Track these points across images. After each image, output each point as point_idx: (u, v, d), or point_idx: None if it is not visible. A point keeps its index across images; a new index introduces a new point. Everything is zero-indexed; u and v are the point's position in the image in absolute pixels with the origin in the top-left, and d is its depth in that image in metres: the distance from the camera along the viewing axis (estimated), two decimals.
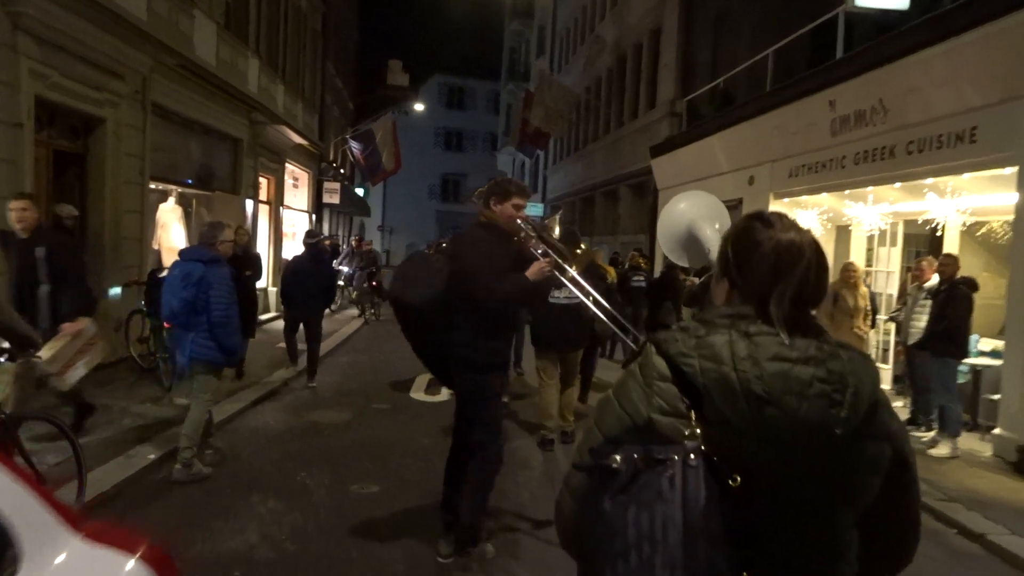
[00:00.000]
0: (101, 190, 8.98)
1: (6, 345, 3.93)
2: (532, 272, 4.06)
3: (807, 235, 1.49)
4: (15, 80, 7.10)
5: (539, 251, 4.13)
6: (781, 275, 1.43)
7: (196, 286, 5.21)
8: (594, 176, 26.05)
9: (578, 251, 4.36)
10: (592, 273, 7.01)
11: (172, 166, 11.66)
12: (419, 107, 36.48)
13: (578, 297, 6.81)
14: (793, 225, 1.51)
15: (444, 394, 8.55)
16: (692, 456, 1.31)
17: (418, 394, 9.18)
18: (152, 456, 5.54)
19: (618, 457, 1.34)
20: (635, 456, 1.33)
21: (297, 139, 17.12)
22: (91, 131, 8.94)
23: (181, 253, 5.63)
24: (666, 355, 1.44)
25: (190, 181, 12.45)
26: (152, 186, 10.63)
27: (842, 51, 11.13)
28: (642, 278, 12.16)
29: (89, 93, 8.49)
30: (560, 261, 4.20)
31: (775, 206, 12.76)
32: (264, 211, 16.22)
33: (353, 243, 19.95)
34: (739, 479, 1.34)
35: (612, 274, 12.32)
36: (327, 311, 11.14)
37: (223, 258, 5.56)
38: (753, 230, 1.51)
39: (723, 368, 1.36)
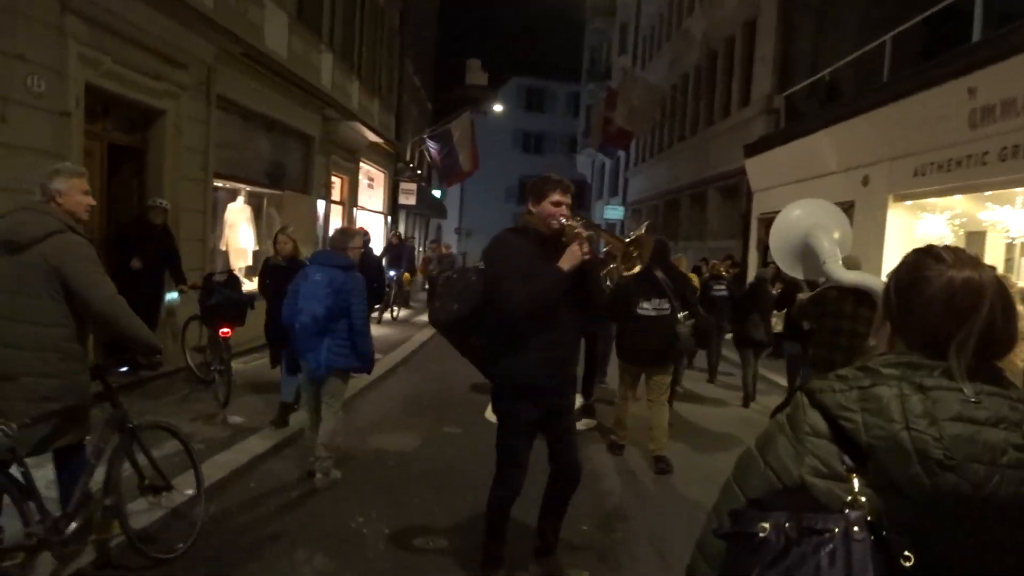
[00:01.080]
0: (160, 187, 8.37)
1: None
2: (565, 261, 3.64)
3: (987, 272, 1.33)
4: (62, 65, 6.48)
5: (586, 245, 3.71)
6: (959, 319, 1.28)
7: (338, 292, 5.22)
8: (680, 178, 24.83)
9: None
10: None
11: (239, 163, 11.08)
12: (498, 108, 35.74)
13: (667, 309, 6.31)
14: (971, 261, 1.34)
15: None
16: (856, 528, 1.17)
17: (492, 415, 8.26)
18: (189, 492, 4.74)
19: (766, 525, 1.20)
20: (787, 525, 1.19)
21: (372, 137, 16.49)
22: (150, 124, 8.35)
23: (317, 258, 5.61)
24: (822, 407, 1.30)
25: (259, 179, 11.86)
26: (217, 184, 10.03)
27: (979, 33, 9.78)
28: (723, 287, 11.03)
29: (148, 83, 7.89)
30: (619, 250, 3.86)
31: (895, 210, 11.47)
32: (337, 212, 15.63)
33: (393, 240, 18.13)
34: (912, 558, 1.16)
35: (696, 281, 11.23)
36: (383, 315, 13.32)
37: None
38: (921, 266, 1.36)
39: (893, 426, 1.21)
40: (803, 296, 6.95)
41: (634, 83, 22.00)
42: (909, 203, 11.13)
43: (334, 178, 15.12)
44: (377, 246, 15.53)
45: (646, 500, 5.91)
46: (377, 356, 7.37)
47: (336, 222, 15.44)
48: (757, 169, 17.19)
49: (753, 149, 17.33)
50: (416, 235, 29.45)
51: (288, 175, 12.80)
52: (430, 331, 14.89)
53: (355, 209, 16.82)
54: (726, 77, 20.95)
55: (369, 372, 5.93)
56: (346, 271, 5.33)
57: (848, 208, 12.65)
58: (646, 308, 6.24)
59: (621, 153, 33.97)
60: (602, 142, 25.11)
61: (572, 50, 46.44)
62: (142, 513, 4.23)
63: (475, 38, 36.94)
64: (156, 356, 3.86)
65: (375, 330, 9.64)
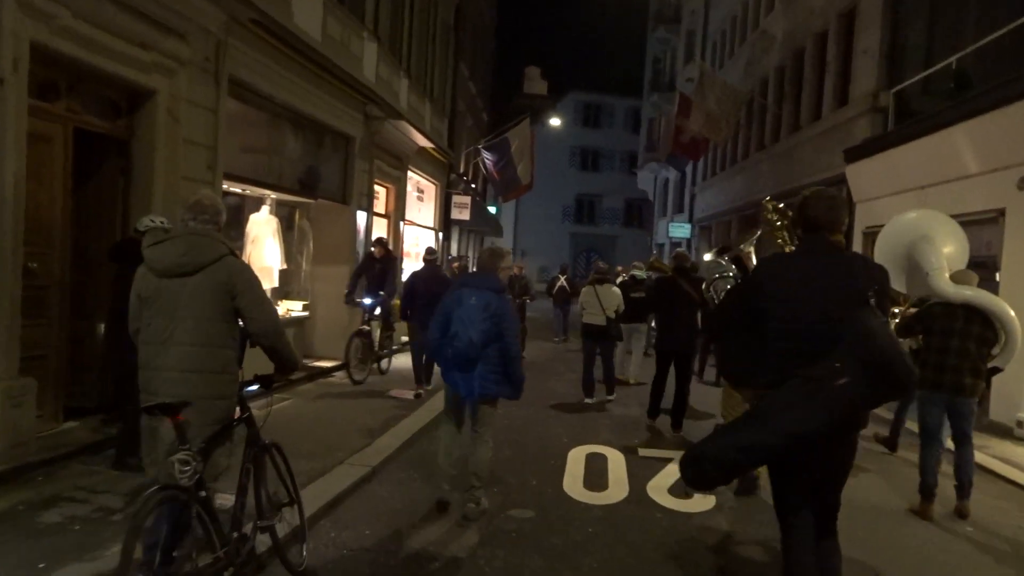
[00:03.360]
0: (149, 189, 6.60)
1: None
2: None
3: None
4: None
5: None
6: None
7: (493, 317, 5.08)
8: (758, 191, 22.50)
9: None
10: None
11: (261, 165, 9.31)
12: (556, 122, 33.86)
13: None
14: None
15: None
16: None
17: (576, 489, 6.21)
18: None
19: None
20: None
21: (422, 141, 14.64)
22: (136, 107, 6.59)
23: (469, 281, 5.38)
24: None
25: (288, 185, 10.06)
26: (232, 188, 8.26)
27: None
28: None
29: (130, 51, 6.14)
30: None
31: None
32: (381, 225, 13.80)
33: (455, 266, 15.87)
34: None
35: None
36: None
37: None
38: None
39: None
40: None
41: (712, 85, 19.83)
42: None
43: (378, 187, 13.30)
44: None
45: None
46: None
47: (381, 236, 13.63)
48: (861, 176, 14.91)
49: (857, 153, 15.06)
50: (469, 254, 27.61)
51: (323, 181, 11.00)
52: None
53: (402, 223, 14.96)
54: (816, 76, 18.73)
55: (518, 398, 5.49)
56: (499, 294, 5.22)
57: (996, 217, 10.43)
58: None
59: (692, 163, 31.94)
60: (671, 153, 23.01)
61: (632, 63, 44.71)
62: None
63: (532, 50, 35.24)
64: (293, 373, 4.02)
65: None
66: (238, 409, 3.73)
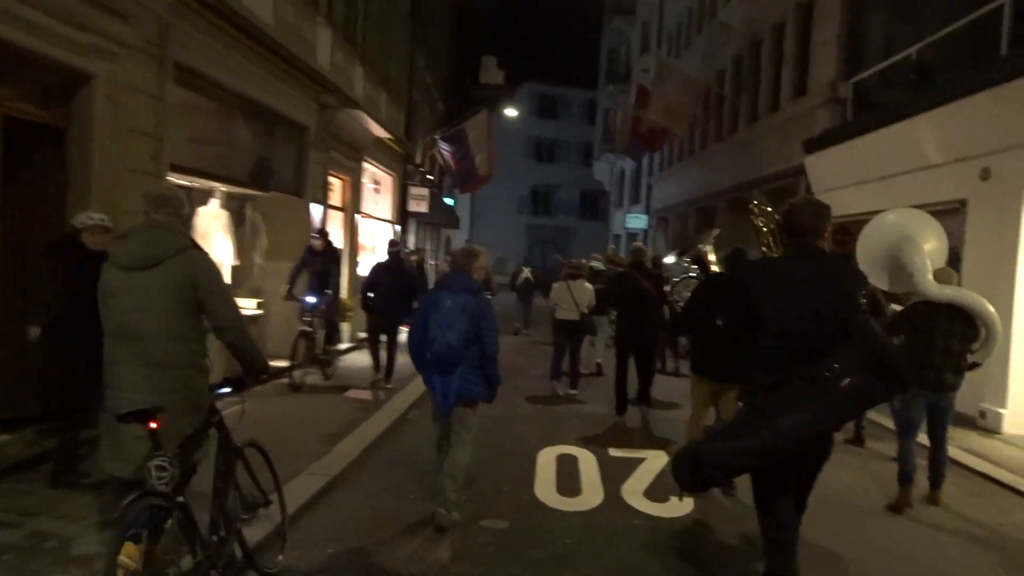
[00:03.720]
0: (88, 179, 6.12)
1: None
2: None
3: None
4: None
5: None
6: None
7: (471, 319, 4.97)
8: (716, 182, 22.55)
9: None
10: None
11: (210, 156, 8.83)
12: (512, 112, 33.44)
13: None
14: None
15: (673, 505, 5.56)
16: None
17: (550, 495, 5.94)
18: None
19: None
20: None
21: (379, 131, 14.18)
22: (72, 93, 6.10)
23: (446, 283, 5.24)
24: None
25: (238, 177, 9.58)
26: (179, 181, 7.79)
27: None
28: None
29: (66, 33, 5.66)
30: None
31: None
32: (337, 219, 13.35)
33: (412, 258, 14.86)
34: None
35: None
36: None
37: None
38: None
39: None
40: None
41: (670, 75, 19.71)
42: None
43: (333, 179, 12.85)
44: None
45: None
46: None
47: (336, 231, 13.18)
48: (821, 167, 14.91)
49: (816, 144, 15.05)
50: (428, 247, 27.15)
51: (276, 173, 10.52)
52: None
53: (358, 216, 14.51)
54: (774, 67, 18.75)
55: (491, 401, 5.35)
56: (476, 295, 5.09)
57: (959, 208, 10.44)
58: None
59: (650, 154, 31.85)
60: (630, 144, 22.89)
61: (588, 54, 44.61)
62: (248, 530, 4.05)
63: (487, 41, 34.73)
64: (264, 376, 3.89)
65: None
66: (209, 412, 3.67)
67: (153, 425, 3.06)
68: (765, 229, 5.42)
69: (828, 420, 3.18)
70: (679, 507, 5.54)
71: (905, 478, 5.87)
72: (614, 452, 7.26)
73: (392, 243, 10.47)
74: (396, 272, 9.78)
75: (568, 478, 6.33)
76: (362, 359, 10.36)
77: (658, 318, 8.67)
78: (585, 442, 7.59)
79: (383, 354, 9.78)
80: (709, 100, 22.73)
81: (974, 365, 6.00)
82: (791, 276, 3.43)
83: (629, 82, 34.19)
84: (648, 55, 32.14)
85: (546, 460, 6.87)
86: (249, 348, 3.70)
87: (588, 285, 10.37)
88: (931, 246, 6.04)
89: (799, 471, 3.44)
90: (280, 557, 4.22)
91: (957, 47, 11.11)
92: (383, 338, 9.84)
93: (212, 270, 3.62)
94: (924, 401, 5.78)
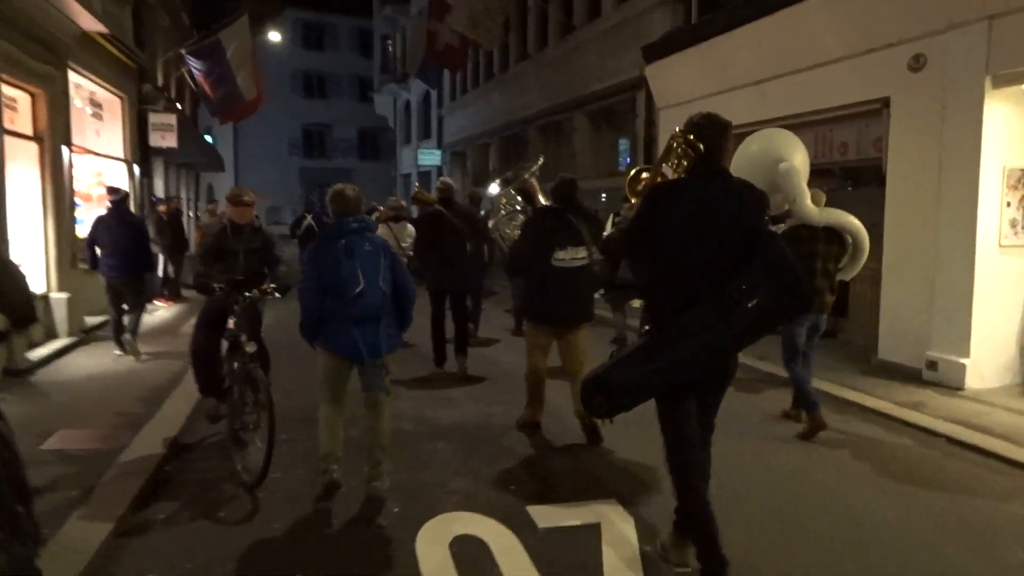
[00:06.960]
0: None
1: None
2: None
3: None
4: None
5: None
6: None
7: (389, 260, 4.52)
8: (525, 107, 19.91)
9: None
10: None
11: None
12: (276, 37, 28.74)
13: (584, 258, 5.52)
14: None
15: None
16: None
17: None
18: None
19: None
20: None
21: (87, 22, 9.59)
22: None
23: (346, 227, 4.48)
24: None
25: None
26: None
27: None
28: None
29: None
30: None
31: (996, 102, 7.19)
32: (28, 151, 8.94)
33: (161, 209, 13.69)
34: None
35: None
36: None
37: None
38: None
39: None
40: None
41: None
42: None
43: (13, 91, 8.44)
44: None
45: None
46: None
47: (27, 171, 8.83)
48: (666, 77, 12.57)
49: (659, 50, 12.67)
50: (184, 196, 22.21)
51: None
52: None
53: (67, 150, 10.02)
54: None
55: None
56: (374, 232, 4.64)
57: (876, 111, 8.43)
58: (562, 259, 5.49)
59: (433, 92, 28.68)
60: (424, 64, 19.49)
61: None
62: None
63: None
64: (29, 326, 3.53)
65: None
66: None
67: None
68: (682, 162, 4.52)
69: (736, 336, 3.20)
70: None
71: (810, 403, 5.83)
72: (538, 518, 4.22)
73: (111, 189, 9.08)
74: (121, 225, 8.51)
75: None
76: None
77: (478, 258, 8.39)
78: (486, 501, 4.49)
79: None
80: (509, 15, 19.83)
81: (841, 282, 6.21)
82: (698, 199, 3.30)
83: (408, 2, 30.54)
84: None
85: (431, 556, 3.70)
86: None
87: (411, 227, 9.38)
88: (799, 164, 6.00)
89: (704, 393, 3.43)
90: None
91: None
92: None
93: None
94: (806, 324, 5.86)
